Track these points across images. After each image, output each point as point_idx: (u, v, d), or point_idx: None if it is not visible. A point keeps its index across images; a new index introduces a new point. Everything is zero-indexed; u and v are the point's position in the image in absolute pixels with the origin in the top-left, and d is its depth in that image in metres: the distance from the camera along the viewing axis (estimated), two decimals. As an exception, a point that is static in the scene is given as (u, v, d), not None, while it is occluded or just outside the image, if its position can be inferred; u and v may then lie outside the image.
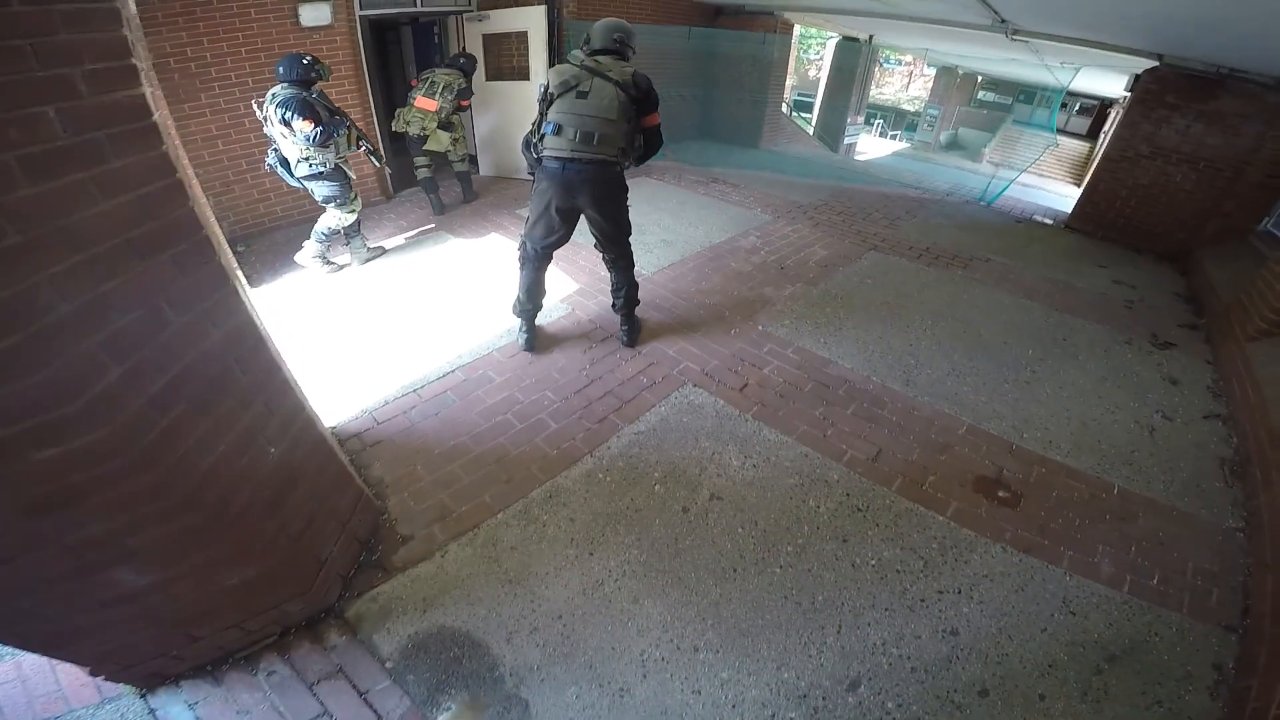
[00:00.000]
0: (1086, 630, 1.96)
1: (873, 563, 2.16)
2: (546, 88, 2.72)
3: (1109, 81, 8.57)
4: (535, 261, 3.06)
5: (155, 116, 1.30)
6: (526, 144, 2.85)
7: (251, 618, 1.75)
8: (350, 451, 2.58)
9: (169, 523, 1.39)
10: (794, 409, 2.91)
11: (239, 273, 1.88)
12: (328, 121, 3.73)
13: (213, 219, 3.86)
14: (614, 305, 3.32)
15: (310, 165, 3.80)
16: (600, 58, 2.70)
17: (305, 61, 3.66)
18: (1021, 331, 3.79)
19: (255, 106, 3.71)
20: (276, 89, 3.65)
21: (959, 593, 2.06)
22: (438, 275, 4.18)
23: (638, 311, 3.43)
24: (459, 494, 2.37)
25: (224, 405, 1.48)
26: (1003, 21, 5.18)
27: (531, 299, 3.18)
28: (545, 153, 2.73)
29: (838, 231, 5.26)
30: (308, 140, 3.65)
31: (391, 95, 6.14)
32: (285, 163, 3.82)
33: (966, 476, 2.58)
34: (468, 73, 5.01)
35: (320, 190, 3.95)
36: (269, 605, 1.76)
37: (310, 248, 4.19)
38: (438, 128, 4.91)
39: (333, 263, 4.33)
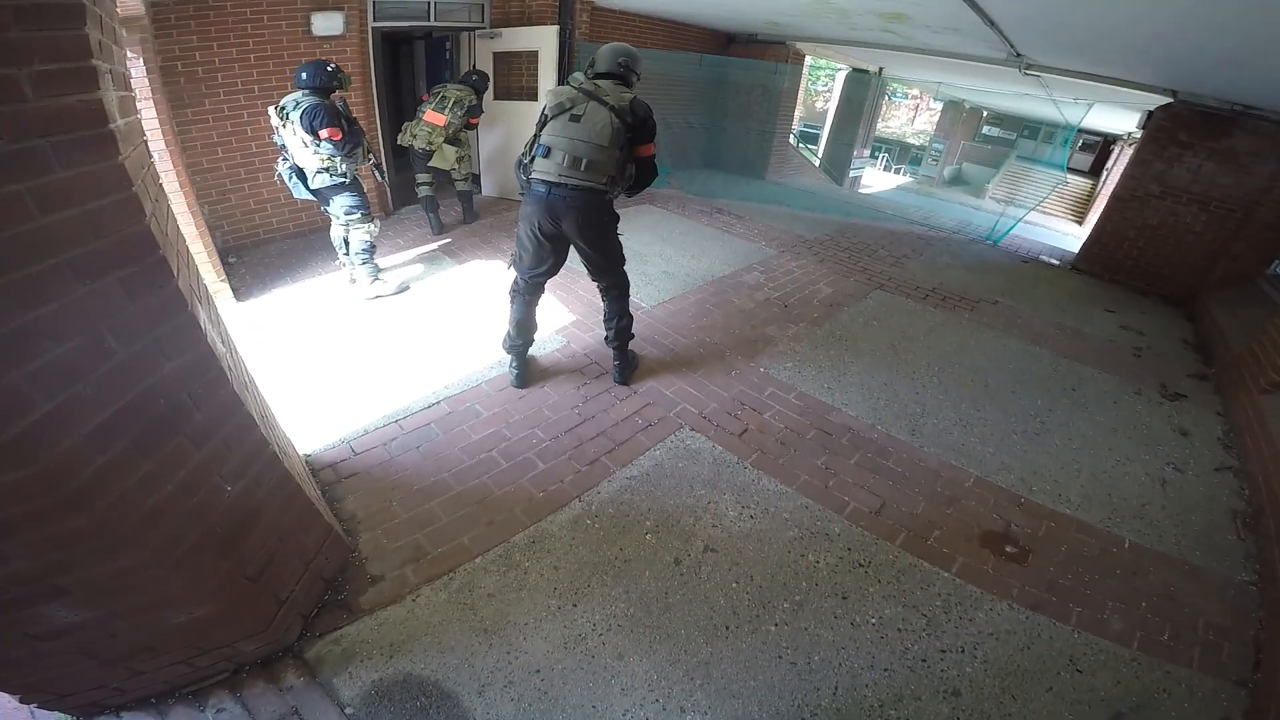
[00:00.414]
0: (1093, 688, 1.90)
1: (873, 621, 2.05)
2: (543, 109, 2.64)
3: (1116, 118, 8.58)
4: (525, 294, 2.94)
5: (115, 124, 1.18)
6: (519, 164, 2.75)
7: (202, 654, 1.63)
8: (324, 483, 2.45)
9: (105, 563, 1.28)
10: (795, 457, 2.78)
11: (209, 292, 1.80)
12: (351, 131, 3.63)
13: (200, 230, 3.80)
14: (606, 338, 3.14)
15: (330, 176, 3.68)
16: (601, 82, 2.63)
17: (330, 69, 3.55)
18: (1030, 380, 3.68)
19: (273, 112, 3.56)
20: (296, 95, 3.52)
21: (962, 651, 1.98)
22: (430, 299, 4.06)
23: (635, 346, 3.31)
24: (436, 534, 2.24)
25: (173, 443, 1.35)
26: (1017, 55, 5.16)
27: (521, 334, 3.04)
28: (534, 175, 2.64)
29: (843, 268, 5.17)
30: (334, 150, 3.54)
31: (399, 109, 6.10)
32: (300, 173, 3.67)
33: (973, 531, 2.48)
34: (479, 90, 4.96)
35: (342, 202, 3.80)
36: (221, 643, 1.64)
37: (363, 277, 4.02)
38: (444, 143, 4.83)
39: (403, 283, 4.21)
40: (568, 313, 3.91)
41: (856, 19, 4.96)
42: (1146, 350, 4.37)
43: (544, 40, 5.22)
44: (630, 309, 3.12)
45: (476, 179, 6.36)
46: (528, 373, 3.16)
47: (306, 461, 2.55)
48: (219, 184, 4.68)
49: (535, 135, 2.66)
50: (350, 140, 3.63)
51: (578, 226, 2.69)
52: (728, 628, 1.99)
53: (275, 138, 3.66)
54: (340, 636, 1.84)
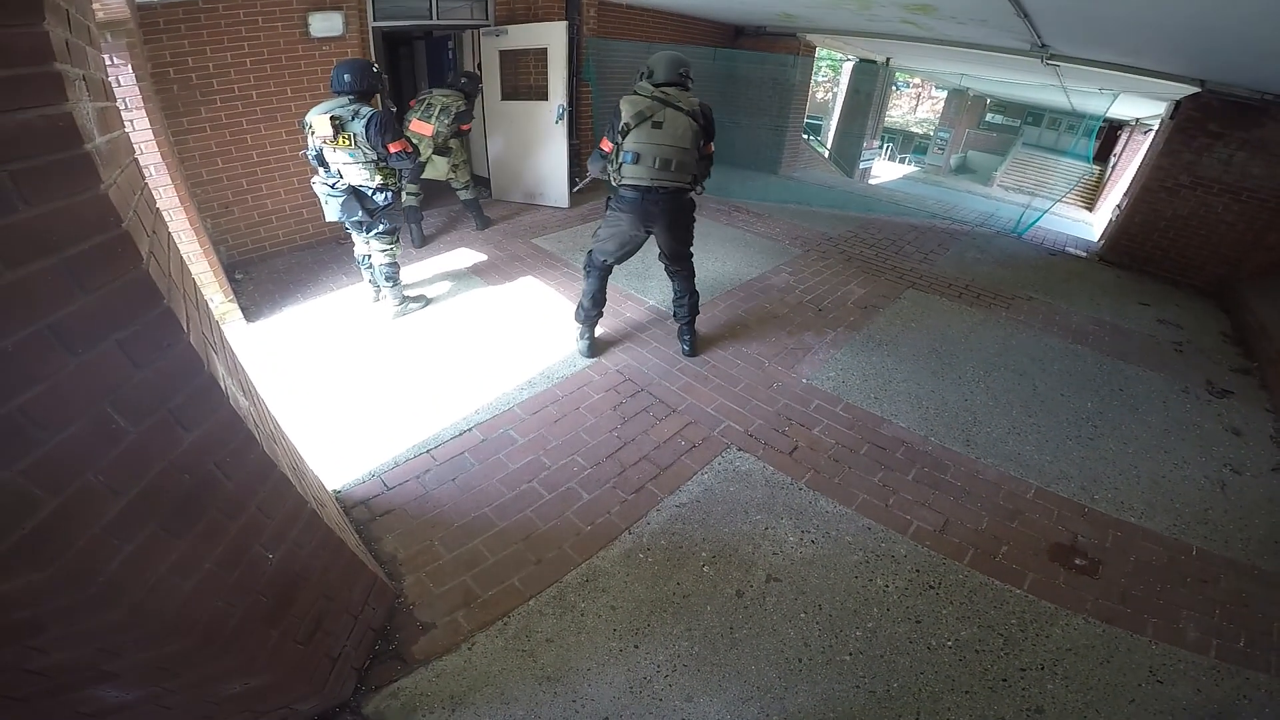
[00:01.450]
0: (1174, 699, 1.88)
1: (949, 644, 1.97)
2: (619, 118, 2.86)
3: (1134, 106, 8.41)
4: (601, 271, 3.20)
5: (92, 144, 0.94)
6: (600, 163, 3.05)
7: (259, 717, 1.56)
8: (357, 521, 2.31)
9: (149, 651, 1.15)
10: (850, 475, 2.64)
11: (222, 334, 1.57)
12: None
13: (205, 248, 3.60)
14: (675, 314, 3.43)
15: (386, 195, 3.40)
16: (667, 89, 2.86)
17: (374, 69, 3.26)
18: (1077, 382, 3.55)
19: (317, 124, 3.16)
20: (343, 103, 3.18)
21: (1042, 669, 1.92)
22: (452, 316, 3.89)
23: (664, 356, 3.27)
24: (484, 576, 2.11)
25: (205, 520, 1.19)
26: (1042, 46, 4.99)
27: (596, 305, 3.29)
28: (624, 181, 2.90)
29: (872, 267, 5.02)
30: (407, 164, 3.30)
31: (402, 113, 5.89)
32: (357, 193, 3.35)
33: (1041, 545, 2.39)
34: (469, 95, 4.68)
35: (389, 222, 3.53)
36: (278, 705, 1.56)
37: (390, 297, 3.79)
38: (434, 153, 4.58)
39: (422, 296, 4.03)
40: (596, 326, 3.75)
41: (878, 9, 4.78)
42: (1187, 345, 4.24)
43: (553, 37, 5.01)
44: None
45: (485, 183, 6.18)
46: (595, 345, 3.39)
47: (336, 498, 2.42)
48: (220, 196, 4.49)
49: (616, 144, 2.88)
50: (418, 152, 3.39)
51: (669, 223, 3.02)
52: (800, 660, 1.90)
53: (308, 153, 3.30)
54: (398, 690, 1.75)
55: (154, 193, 3.20)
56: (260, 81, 4.25)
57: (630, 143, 2.84)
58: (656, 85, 2.89)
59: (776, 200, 6.77)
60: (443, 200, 5.74)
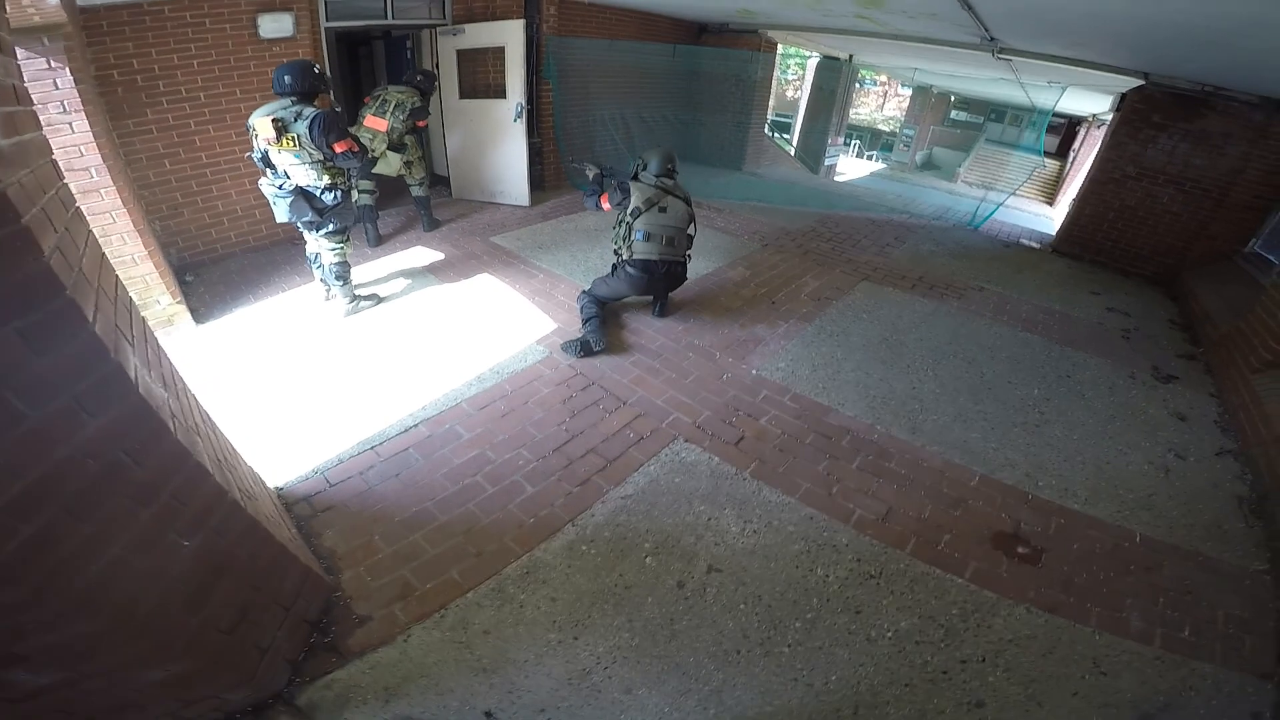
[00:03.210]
0: (1119, 690, 1.86)
1: (889, 635, 1.97)
2: (630, 200, 3.50)
3: (1084, 101, 8.63)
4: (602, 312, 3.62)
5: None
6: (590, 199, 3.85)
7: (188, 706, 1.56)
8: (299, 517, 2.29)
9: (55, 632, 1.17)
10: (795, 464, 2.66)
11: (146, 327, 1.58)
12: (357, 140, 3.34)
13: (150, 249, 3.53)
14: (654, 312, 3.87)
15: (335, 195, 3.38)
16: (664, 180, 3.59)
17: (315, 69, 3.22)
18: (1025, 369, 3.62)
19: (260, 126, 3.14)
20: (285, 104, 3.15)
21: (983, 661, 1.91)
22: (403, 313, 3.85)
23: (620, 354, 3.35)
24: (423, 569, 2.10)
25: (113, 505, 1.20)
26: (991, 39, 5.09)
27: (604, 324, 3.58)
28: (636, 255, 3.52)
29: (828, 261, 5.08)
30: (354, 163, 3.27)
31: (359, 114, 5.82)
32: (305, 194, 3.31)
33: (984, 533, 2.40)
34: (424, 91, 4.67)
35: (339, 221, 3.49)
36: (206, 694, 1.55)
37: (340, 296, 3.74)
38: (388, 149, 4.55)
39: (374, 295, 3.97)
40: (549, 320, 3.74)
41: (831, 5, 4.83)
42: (1135, 332, 4.35)
43: (510, 35, 4.99)
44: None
45: (445, 181, 6.13)
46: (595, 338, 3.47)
47: (279, 495, 2.41)
48: (169, 198, 4.39)
49: (627, 224, 3.51)
50: (364, 151, 3.36)
51: (669, 288, 3.77)
52: (739, 652, 1.90)
53: (253, 155, 3.27)
54: (332, 681, 1.74)
55: (97, 194, 3.20)
56: (209, 83, 4.16)
57: (642, 224, 3.48)
58: (656, 176, 3.58)
59: (739, 198, 6.81)
60: (401, 200, 5.68)
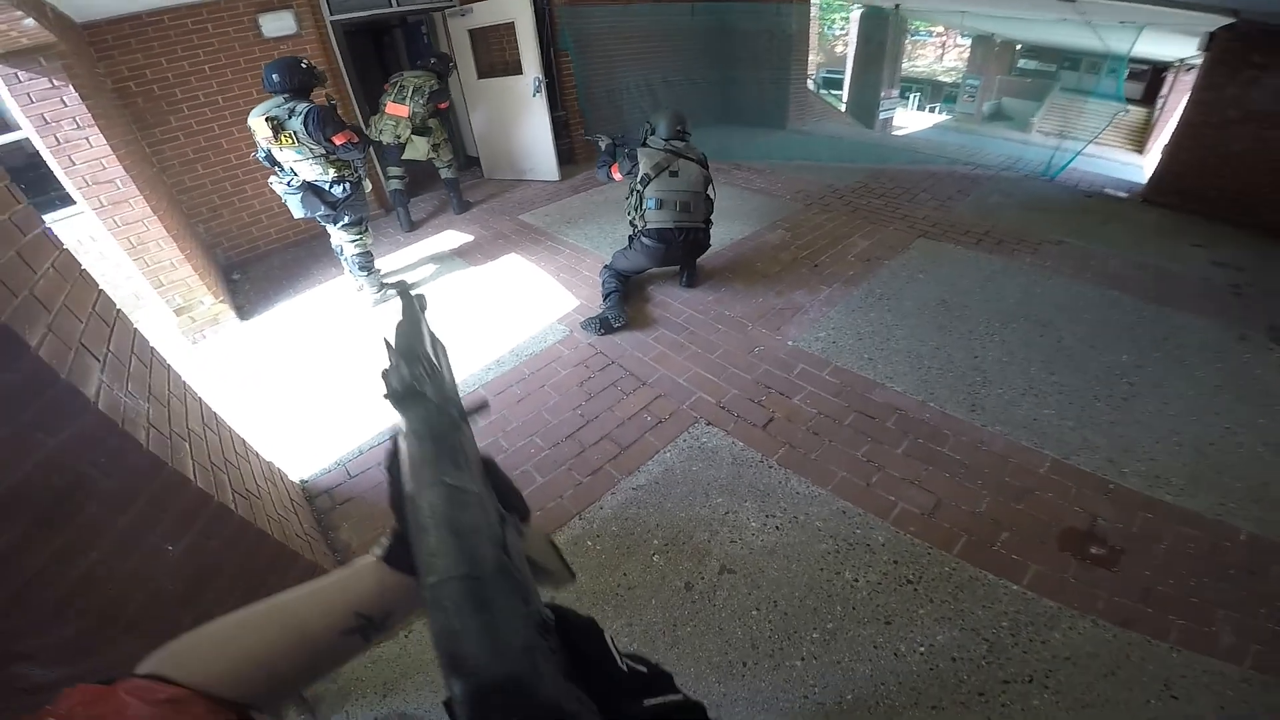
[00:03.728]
0: (1190, 715, 1.57)
1: (921, 650, 1.70)
2: (639, 168, 3.27)
3: (1169, 45, 7.62)
4: (622, 282, 3.43)
5: None
6: (601, 167, 3.60)
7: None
8: (319, 510, 2.31)
9: (45, 635, 1.27)
10: (830, 450, 2.37)
11: (137, 339, 1.66)
12: (358, 130, 3.32)
13: (187, 254, 3.60)
14: (681, 283, 3.65)
15: (344, 187, 3.37)
16: (674, 143, 3.32)
17: (304, 65, 3.19)
18: (1112, 332, 3.12)
19: (259, 126, 3.16)
20: (278, 102, 3.15)
21: (1030, 681, 1.63)
22: (433, 302, 3.71)
23: (642, 327, 3.14)
24: None
25: (86, 514, 1.27)
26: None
27: (624, 301, 3.39)
28: (650, 225, 3.27)
29: (880, 218, 4.62)
30: (356, 154, 3.26)
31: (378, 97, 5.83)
32: (313, 189, 3.33)
33: (1050, 530, 2.04)
34: (440, 74, 4.58)
35: (353, 213, 3.48)
36: None
37: (367, 287, 3.74)
38: (413, 134, 4.51)
39: (401, 282, 3.96)
40: (571, 297, 3.58)
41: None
42: (1248, 287, 3.69)
43: (518, 9, 4.79)
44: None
45: (475, 162, 6.06)
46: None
47: (303, 488, 2.44)
48: (207, 200, 4.51)
49: (638, 192, 3.28)
50: (366, 140, 3.34)
51: (688, 255, 3.49)
52: (745, 664, 1.69)
53: (258, 155, 3.29)
54: (335, 675, 1.72)
55: (126, 204, 3.28)
56: (224, 86, 4.22)
57: (652, 190, 3.24)
58: (665, 139, 3.33)
59: (782, 157, 6.34)
60: (435, 184, 5.64)
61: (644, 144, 3.40)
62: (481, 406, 0.58)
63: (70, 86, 2.96)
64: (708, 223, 3.44)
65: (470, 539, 0.36)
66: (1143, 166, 9.39)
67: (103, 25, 3.69)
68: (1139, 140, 13.80)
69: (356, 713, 1.68)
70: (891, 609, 1.80)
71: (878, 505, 2.13)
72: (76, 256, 1.61)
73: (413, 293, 0.67)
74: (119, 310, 1.70)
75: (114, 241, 3.37)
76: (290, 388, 3.07)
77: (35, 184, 4.33)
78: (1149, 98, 14.28)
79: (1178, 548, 1.97)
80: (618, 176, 3.51)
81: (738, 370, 2.84)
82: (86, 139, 3.08)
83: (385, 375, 0.48)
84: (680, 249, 3.36)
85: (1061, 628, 1.75)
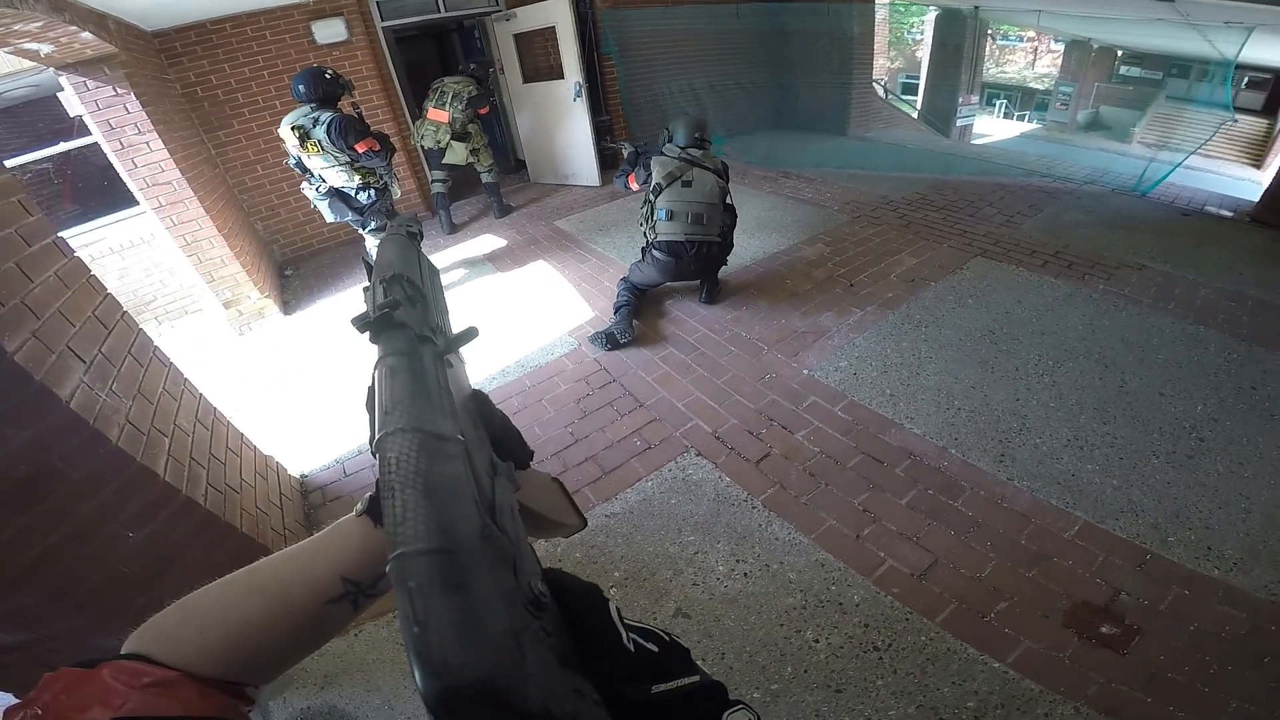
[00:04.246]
0: None
1: None
2: (652, 177, 3.17)
3: None
4: (637, 300, 3.35)
5: None
6: (619, 178, 3.53)
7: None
8: (312, 505, 2.40)
9: (4, 600, 1.38)
10: (824, 494, 2.17)
11: (136, 338, 1.78)
12: (381, 138, 3.43)
13: (236, 251, 3.84)
14: (700, 299, 3.50)
15: (369, 194, 3.49)
16: (691, 151, 3.19)
17: (328, 75, 3.32)
18: (1189, 375, 2.70)
19: (287, 135, 3.32)
20: (305, 111, 3.28)
21: None
22: (457, 306, 3.76)
23: (650, 346, 3.08)
24: None
25: (49, 502, 1.40)
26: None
27: (634, 315, 3.31)
28: (660, 237, 3.16)
29: (935, 233, 4.27)
30: (379, 162, 3.37)
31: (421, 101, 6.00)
32: (340, 195, 3.47)
33: (1059, 603, 1.76)
34: (480, 79, 4.67)
35: (379, 219, 3.59)
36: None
37: None
38: (452, 139, 4.60)
39: None
40: (588, 308, 3.52)
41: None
42: (1368, 326, 3.12)
43: (559, 14, 4.79)
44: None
45: (523, 165, 6.13)
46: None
47: (302, 482, 2.53)
48: (265, 200, 4.78)
49: (650, 202, 3.20)
50: (389, 148, 3.43)
51: (702, 270, 3.32)
52: None
53: (290, 162, 3.46)
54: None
55: (182, 205, 3.50)
56: (280, 91, 4.45)
57: (664, 201, 3.13)
58: (682, 148, 3.21)
59: (837, 165, 6.00)
60: (481, 188, 5.75)
61: (660, 152, 3.30)
62: (471, 334, 0.51)
63: (132, 94, 3.19)
64: (724, 236, 3.27)
65: (446, 502, 0.28)
66: (1259, 183, 8.34)
67: (170, 33, 3.97)
68: (1258, 154, 12.39)
69: (293, 700, 1.72)
70: (847, 676, 1.61)
71: (863, 561, 1.91)
72: (87, 263, 1.73)
73: (409, 224, 0.64)
74: (123, 313, 1.82)
75: (170, 239, 3.61)
76: (313, 382, 3.20)
77: (113, 184, 4.76)
78: (1270, 108, 12.72)
79: (1208, 629, 1.66)
80: (634, 186, 3.43)
81: (742, 398, 2.67)
82: (147, 143, 3.32)
83: (364, 296, 0.44)
84: (692, 263, 3.22)
85: (1035, 713, 1.51)
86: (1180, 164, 5.38)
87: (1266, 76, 12.25)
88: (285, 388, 3.21)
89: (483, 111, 4.65)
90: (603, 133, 5.57)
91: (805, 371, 2.82)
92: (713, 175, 3.17)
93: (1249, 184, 7.61)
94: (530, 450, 0.53)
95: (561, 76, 5.07)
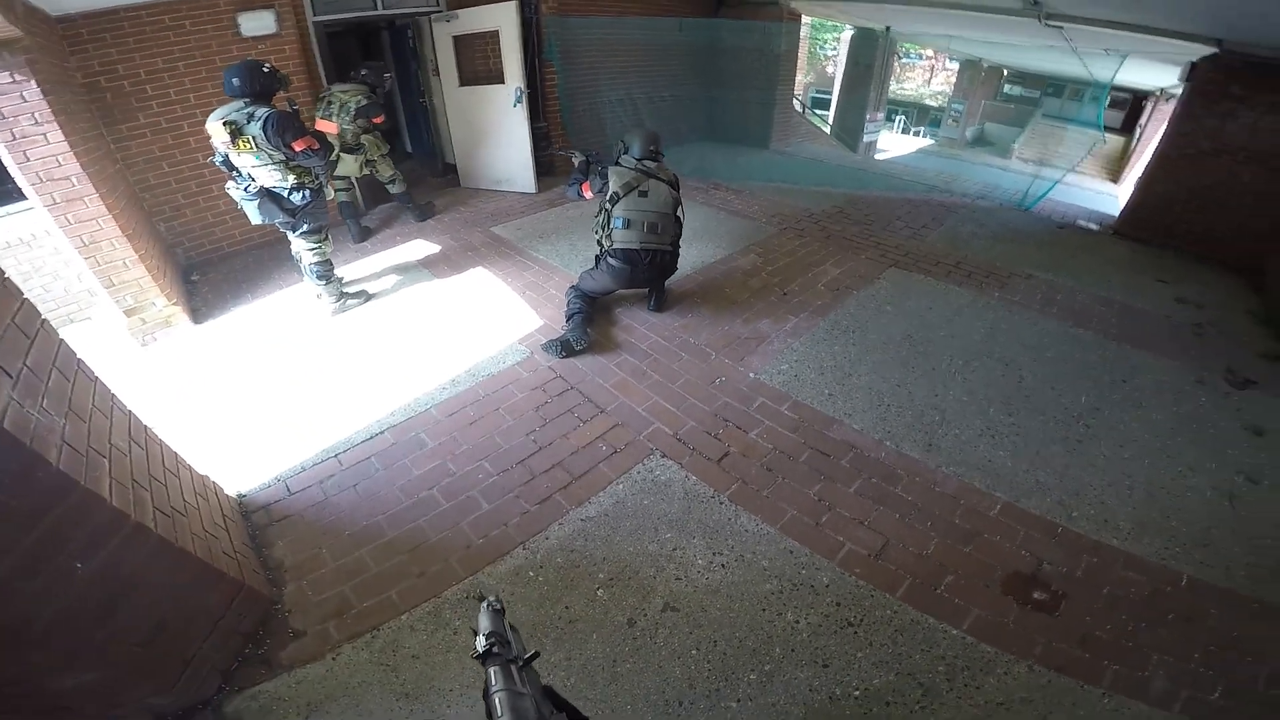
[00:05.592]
0: None
1: (856, 694, 1.69)
2: (609, 186, 3.25)
3: (1151, 73, 7.77)
4: (590, 304, 3.40)
5: None
6: (571, 187, 3.56)
7: (114, 708, 1.63)
8: (255, 525, 2.27)
9: None
10: (782, 487, 2.35)
11: (63, 351, 1.63)
12: (319, 136, 3.23)
13: (141, 254, 3.52)
14: (649, 307, 3.60)
15: (303, 194, 3.27)
16: (647, 163, 3.31)
17: (265, 69, 3.10)
18: (1073, 372, 3.15)
19: (216, 130, 3.06)
20: (238, 106, 3.06)
21: None
22: (390, 313, 3.70)
23: (605, 352, 3.15)
24: (363, 587, 2.01)
25: None
26: (1035, 3, 4.52)
27: (590, 321, 3.34)
28: (616, 245, 3.25)
29: (853, 245, 4.64)
30: (317, 161, 3.18)
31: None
32: (270, 195, 3.23)
33: (995, 574, 2.04)
34: (372, 86, 4.42)
35: (312, 221, 3.39)
36: (132, 699, 1.64)
37: (326, 296, 3.64)
38: (342, 151, 4.36)
39: (363, 291, 3.86)
40: (535, 316, 3.53)
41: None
42: (1209, 327, 3.76)
43: (503, 18, 4.77)
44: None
45: (453, 169, 5.99)
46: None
47: (240, 502, 2.38)
48: (171, 199, 4.39)
49: (606, 210, 3.27)
50: (327, 147, 3.25)
51: (655, 278, 3.46)
52: (681, 703, 1.67)
53: (215, 159, 3.19)
54: (258, 693, 1.74)
55: (80, 202, 3.20)
56: (197, 84, 4.12)
57: (621, 210, 3.22)
58: (638, 159, 3.32)
59: (762, 178, 6.37)
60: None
61: (616, 163, 3.37)
62: (535, 656, 0.93)
63: (32, 82, 2.88)
64: (675, 245, 3.41)
65: None
66: (1117, 197, 9.60)
67: (78, 19, 3.60)
68: (1115, 169, 13.91)
69: None
70: (830, 652, 1.79)
71: (826, 545, 2.11)
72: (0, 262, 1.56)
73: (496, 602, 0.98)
74: (43, 321, 1.64)
75: (65, 239, 3.26)
76: (238, 396, 2.99)
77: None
78: (1128, 126, 14.39)
79: (1119, 592, 1.99)
80: (589, 195, 3.49)
81: (697, 401, 2.81)
82: (44, 135, 3.00)
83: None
84: (646, 271, 3.33)
85: (997, 673, 1.75)
86: (1057, 183, 6.14)
87: (1125, 96, 13.88)
88: (203, 402, 2.97)
89: (377, 120, 4.39)
90: (540, 139, 5.56)
91: (751, 375, 3.01)
92: (667, 186, 3.29)
93: (1108, 198, 8.73)
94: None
95: (502, 81, 5.02)
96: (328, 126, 4.25)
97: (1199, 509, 2.33)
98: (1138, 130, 13.93)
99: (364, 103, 4.32)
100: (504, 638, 0.89)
